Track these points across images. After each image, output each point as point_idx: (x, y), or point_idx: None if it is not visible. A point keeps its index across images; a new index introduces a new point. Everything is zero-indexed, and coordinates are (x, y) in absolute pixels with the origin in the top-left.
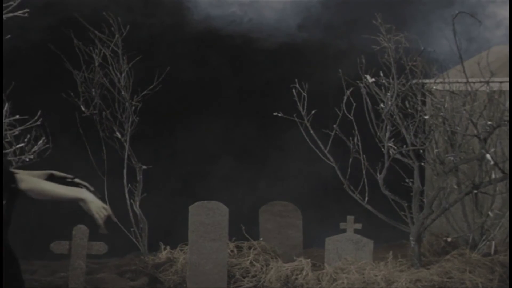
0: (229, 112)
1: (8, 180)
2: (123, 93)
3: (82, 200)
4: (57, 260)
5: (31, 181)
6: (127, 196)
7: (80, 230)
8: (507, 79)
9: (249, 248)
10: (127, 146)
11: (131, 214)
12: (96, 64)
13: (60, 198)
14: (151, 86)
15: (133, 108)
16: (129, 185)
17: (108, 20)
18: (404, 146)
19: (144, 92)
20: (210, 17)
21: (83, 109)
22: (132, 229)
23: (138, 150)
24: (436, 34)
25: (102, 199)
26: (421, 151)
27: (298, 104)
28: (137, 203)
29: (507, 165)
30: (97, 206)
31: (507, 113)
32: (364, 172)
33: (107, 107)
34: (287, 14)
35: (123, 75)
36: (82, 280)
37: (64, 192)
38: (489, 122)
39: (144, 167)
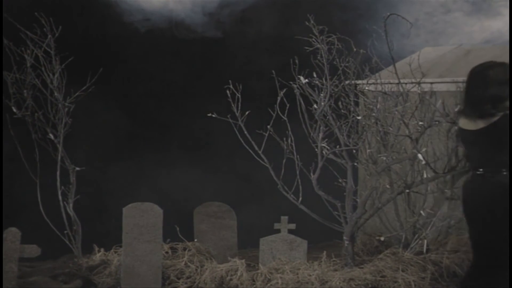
0: (164, 112)
1: None
2: (55, 94)
3: None
4: None
5: None
6: (60, 198)
7: (12, 233)
8: (438, 80)
9: (184, 249)
10: (60, 147)
11: (64, 217)
12: (28, 65)
13: None
14: (84, 87)
15: (66, 109)
16: (62, 187)
17: (40, 21)
18: (338, 146)
19: (77, 93)
20: (143, 16)
21: (14, 110)
22: (65, 232)
23: (72, 151)
24: (368, 35)
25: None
26: (354, 151)
27: (232, 105)
28: (71, 205)
29: (438, 165)
30: None
31: (437, 114)
32: (298, 172)
33: (40, 108)
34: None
35: (55, 76)
36: (14, 283)
37: None
38: (421, 123)
39: (77, 168)
